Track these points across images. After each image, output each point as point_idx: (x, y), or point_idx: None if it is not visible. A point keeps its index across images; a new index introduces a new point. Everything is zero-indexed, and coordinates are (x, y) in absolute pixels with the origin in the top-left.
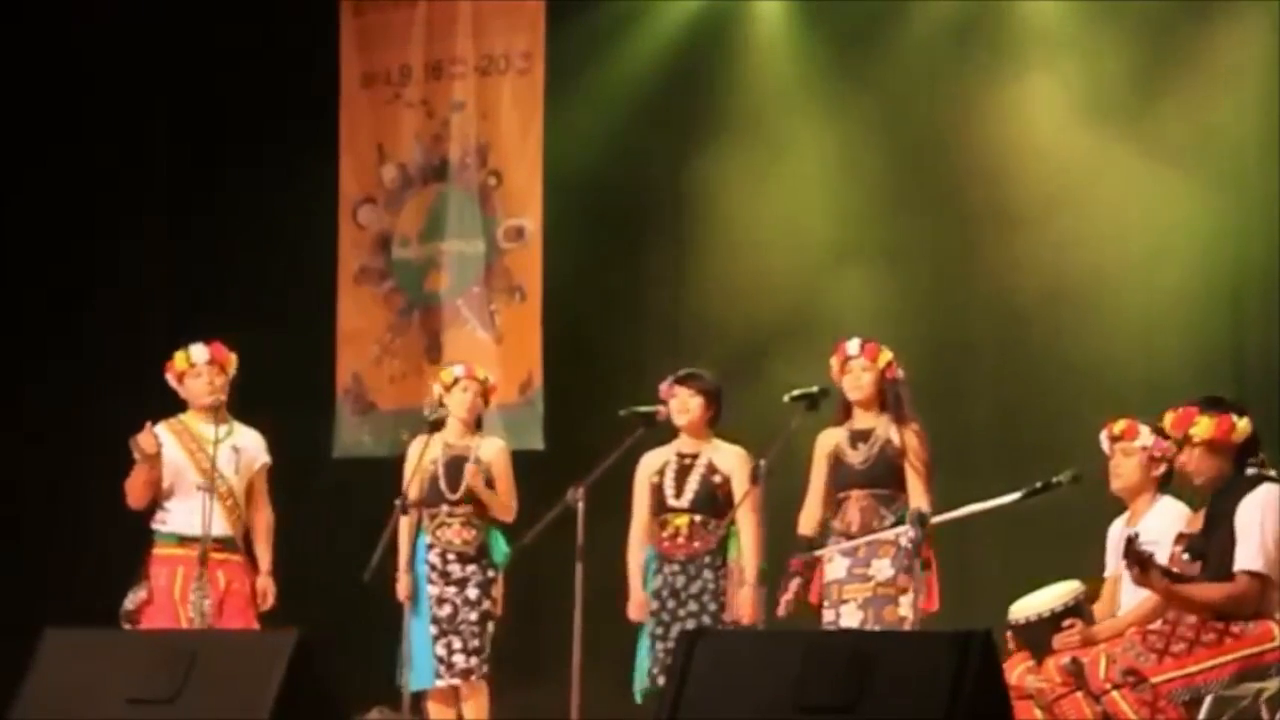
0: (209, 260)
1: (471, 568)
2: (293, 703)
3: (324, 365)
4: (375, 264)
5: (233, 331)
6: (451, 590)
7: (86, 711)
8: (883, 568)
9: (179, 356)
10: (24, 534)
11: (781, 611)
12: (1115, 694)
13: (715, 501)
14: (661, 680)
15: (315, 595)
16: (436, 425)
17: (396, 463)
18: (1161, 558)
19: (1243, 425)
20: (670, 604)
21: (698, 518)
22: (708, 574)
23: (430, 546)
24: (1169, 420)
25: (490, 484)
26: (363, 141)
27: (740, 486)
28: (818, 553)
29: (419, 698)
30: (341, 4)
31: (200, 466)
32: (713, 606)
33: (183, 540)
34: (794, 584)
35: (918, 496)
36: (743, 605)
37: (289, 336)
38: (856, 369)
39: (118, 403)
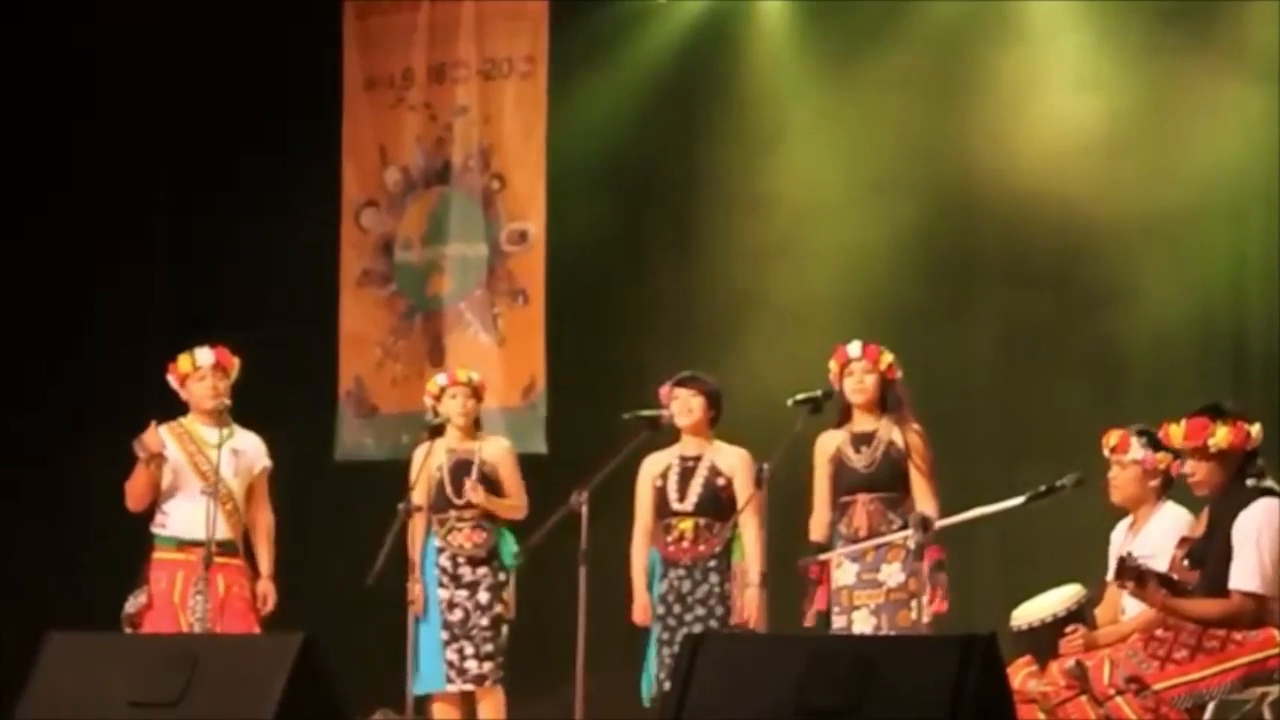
0: (211, 263)
1: (483, 570)
2: (296, 706)
3: (326, 368)
4: (378, 267)
5: (235, 334)
6: (462, 594)
7: (89, 715)
8: (893, 573)
9: (183, 359)
10: (27, 537)
11: (810, 621)
12: (1119, 699)
13: (719, 504)
14: (669, 686)
15: (318, 598)
16: (436, 430)
17: (398, 466)
18: (1162, 564)
19: (1255, 432)
20: (676, 609)
21: (702, 521)
22: (714, 578)
23: (440, 550)
24: (1179, 432)
25: (493, 489)
26: (365, 145)
27: (743, 487)
28: (822, 557)
29: (424, 701)
30: (344, 7)
31: (200, 470)
32: (719, 610)
33: (182, 544)
34: (819, 592)
35: (924, 498)
36: (748, 607)
37: (291, 339)
38: (858, 371)
39: (120, 406)
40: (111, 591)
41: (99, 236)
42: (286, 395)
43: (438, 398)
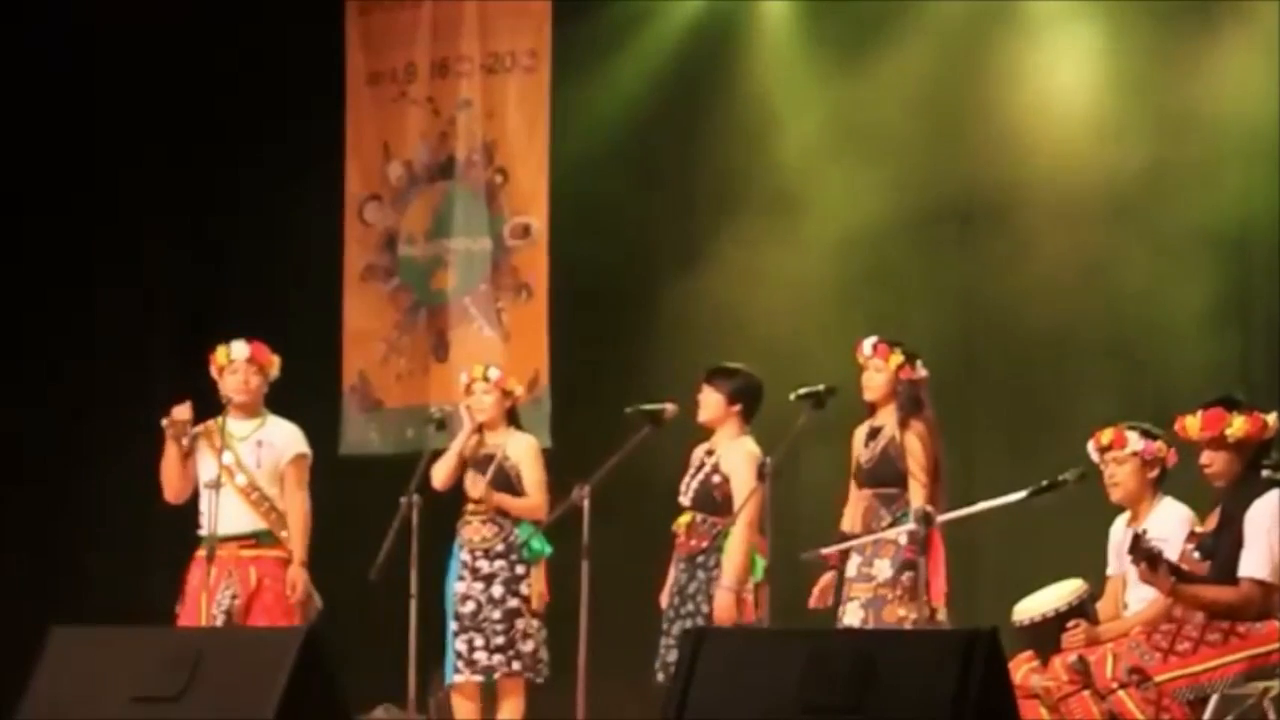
0: (214, 259)
1: (499, 563)
2: (299, 700)
3: (330, 363)
4: (381, 262)
5: (238, 330)
6: (478, 587)
7: (92, 709)
8: (883, 568)
9: (220, 351)
10: (27, 537)
11: (812, 603)
12: (1121, 693)
13: (712, 500)
14: (660, 676)
15: (321, 593)
16: (440, 425)
17: (403, 460)
18: (1170, 556)
19: (1272, 422)
20: (676, 601)
21: (697, 516)
22: (701, 574)
23: (462, 545)
24: (1196, 424)
25: (512, 487)
26: (369, 140)
27: (738, 485)
28: (824, 551)
29: (425, 697)
30: (347, 3)
31: (222, 464)
32: (705, 607)
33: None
34: (826, 577)
35: (915, 497)
36: (716, 606)
37: (294, 335)
38: (871, 369)
39: (120, 406)
40: (112, 591)
41: (99, 237)
42: (290, 391)
43: (467, 395)
